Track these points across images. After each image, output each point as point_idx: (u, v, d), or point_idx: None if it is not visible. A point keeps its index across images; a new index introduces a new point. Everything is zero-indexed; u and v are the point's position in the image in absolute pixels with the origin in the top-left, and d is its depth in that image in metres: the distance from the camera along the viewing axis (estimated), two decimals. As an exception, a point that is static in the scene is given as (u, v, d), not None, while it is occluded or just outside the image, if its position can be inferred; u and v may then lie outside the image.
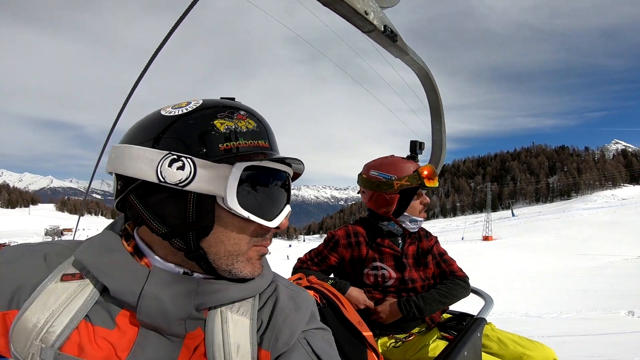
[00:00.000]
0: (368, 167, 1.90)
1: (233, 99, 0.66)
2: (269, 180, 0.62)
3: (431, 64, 1.93)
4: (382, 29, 1.44)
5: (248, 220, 0.59)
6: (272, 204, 0.63)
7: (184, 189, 0.56)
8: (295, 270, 1.87)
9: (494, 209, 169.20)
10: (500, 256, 35.10)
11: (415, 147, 1.95)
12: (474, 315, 1.75)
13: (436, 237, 2.01)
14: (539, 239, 51.90)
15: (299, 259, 1.92)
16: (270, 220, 0.61)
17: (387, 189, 1.80)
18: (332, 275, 1.93)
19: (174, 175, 0.55)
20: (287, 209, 0.65)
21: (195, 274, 0.62)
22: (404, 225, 1.83)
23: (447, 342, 1.61)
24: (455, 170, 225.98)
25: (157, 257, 0.61)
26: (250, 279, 0.64)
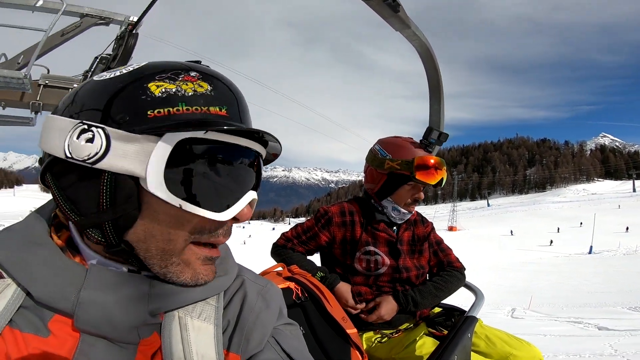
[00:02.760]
0: (378, 140, 1.81)
1: (199, 62, 0.54)
2: (217, 158, 0.48)
3: None
4: None
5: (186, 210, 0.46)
6: (223, 190, 0.49)
7: (94, 167, 0.44)
8: (277, 248, 1.73)
9: (473, 198, 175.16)
10: (457, 248, 38.25)
11: (429, 134, 1.74)
12: (463, 311, 1.65)
13: (432, 223, 1.91)
14: (500, 230, 55.76)
15: (283, 235, 1.76)
16: (220, 211, 0.48)
17: (377, 166, 1.71)
18: (320, 264, 1.77)
19: (81, 149, 0.44)
20: (250, 195, 0.52)
21: (144, 272, 0.51)
22: (385, 210, 1.70)
23: (434, 339, 1.53)
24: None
25: (92, 251, 0.50)
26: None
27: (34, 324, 0.47)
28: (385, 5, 1.37)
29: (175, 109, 0.46)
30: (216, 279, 0.56)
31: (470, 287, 1.85)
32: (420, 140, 1.76)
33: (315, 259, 1.80)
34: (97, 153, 0.44)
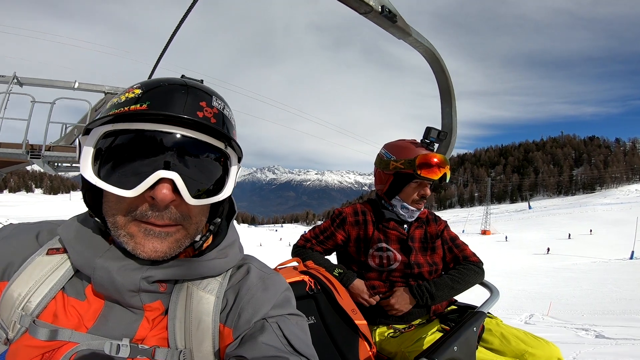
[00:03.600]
0: (384, 145, 1.89)
1: (201, 81, 0.66)
2: (127, 144, 0.57)
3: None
4: (380, 10, 1.39)
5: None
6: (131, 171, 0.56)
7: (80, 166, 0.58)
8: (297, 248, 1.83)
9: (513, 200, 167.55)
10: (486, 252, 37.13)
11: (428, 133, 1.80)
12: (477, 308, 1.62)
13: (446, 222, 1.93)
14: (536, 235, 53.31)
15: (303, 237, 1.86)
16: (130, 189, 0.56)
17: (384, 168, 1.79)
18: (336, 261, 1.88)
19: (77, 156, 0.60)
20: (158, 174, 0.56)
21: None
22: (395, 209, 1.78)
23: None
24: (476, 159, 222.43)
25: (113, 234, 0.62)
26: (217, 259, 0.67)
27: (76, 290, 0.63)
28: (383, 17, 1.43)
29: (107, 114, 0.57)
30: (215, 261, 0.67)
31: (485, 284, 1.83)
32: (421, 140, 1.85)
33: (332, 257, 1.91)
34: (78, 157, 0.60)
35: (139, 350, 0.60)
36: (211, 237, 0.73)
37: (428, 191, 1.77)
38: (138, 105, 0.57)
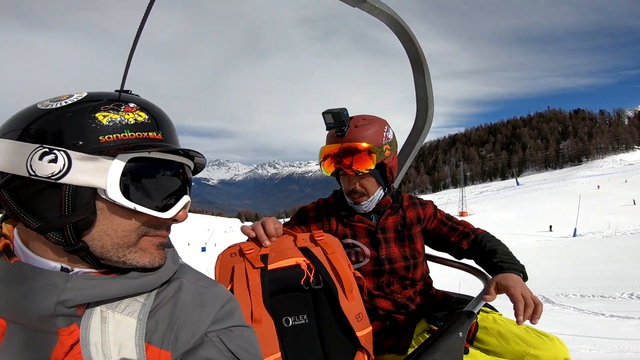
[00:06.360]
0: None
1: (129, 91, 0.66)
2: (158, 171, 0.63)
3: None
4: None
5: (137, 211, 0.59)
6: (164, 195, 0.63)
7: (58, 182, 0.55)
8: None
9: (503, 177, 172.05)
10: None
11: (325, 120, 1.47)
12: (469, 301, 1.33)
13: (432, 202, 1.67)
14: (510, 214, 56.04)
15: None
16: (164, 211, 0.62)
17: None
18: None
19: (45, 168, 0.55)
20: (185, 199, 0.66)
21: (77, 269, 0.60)
22: (350, 204, 1.58)
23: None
24: (466, 139, 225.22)
25: (32, 254, 0.60)
26: (149, 270, 0.64)
27: None
28: None
29: (122, 135, 0.58)
30: (145, 277, 0.63)
31: (479, 272, 1.48)
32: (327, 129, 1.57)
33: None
34: (60, 171, 0.55)
35: None
36: None
37: (350, 183, 1.48)
38: (155, 134, 0.62)
